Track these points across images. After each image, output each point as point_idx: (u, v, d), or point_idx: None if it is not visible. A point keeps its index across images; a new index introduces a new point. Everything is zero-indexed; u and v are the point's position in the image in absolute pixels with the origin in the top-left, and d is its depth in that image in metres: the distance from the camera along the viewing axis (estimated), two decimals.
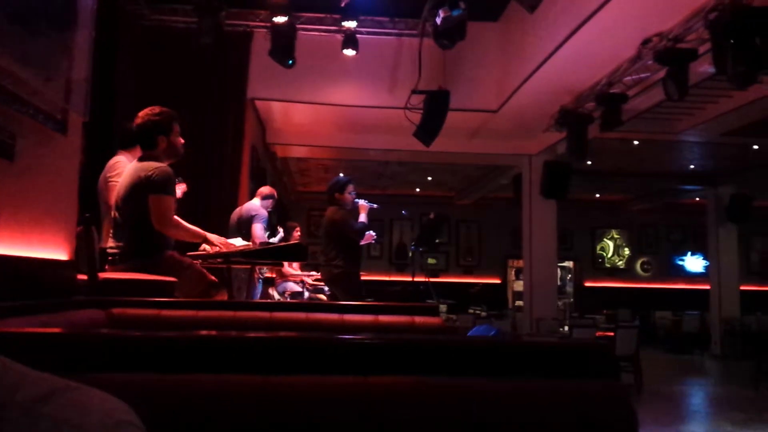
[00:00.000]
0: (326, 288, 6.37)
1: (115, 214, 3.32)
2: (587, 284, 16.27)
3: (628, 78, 6.21)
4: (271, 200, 5.85)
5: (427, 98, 6.85)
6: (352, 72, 7.56)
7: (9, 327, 1.33)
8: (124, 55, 6.11)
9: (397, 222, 15.80)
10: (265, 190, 6.00)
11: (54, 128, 3.00)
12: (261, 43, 7.00)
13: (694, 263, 16.52)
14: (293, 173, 13.14)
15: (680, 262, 16.64)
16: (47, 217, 2.86)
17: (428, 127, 6.95)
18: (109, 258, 3.23)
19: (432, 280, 11.73)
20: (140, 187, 3.15)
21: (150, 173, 3.15)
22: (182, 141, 3.40)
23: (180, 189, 4.65)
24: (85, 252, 2.90)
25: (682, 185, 13.05)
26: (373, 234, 5.45)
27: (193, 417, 0.93)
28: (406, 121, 6.96)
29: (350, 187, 5.39)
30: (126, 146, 4.20)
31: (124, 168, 4.02)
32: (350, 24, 6.76)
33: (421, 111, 6.92)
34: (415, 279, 8.93)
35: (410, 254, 14.71)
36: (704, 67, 5.43)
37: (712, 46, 4.75)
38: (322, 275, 5.77)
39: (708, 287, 12.73)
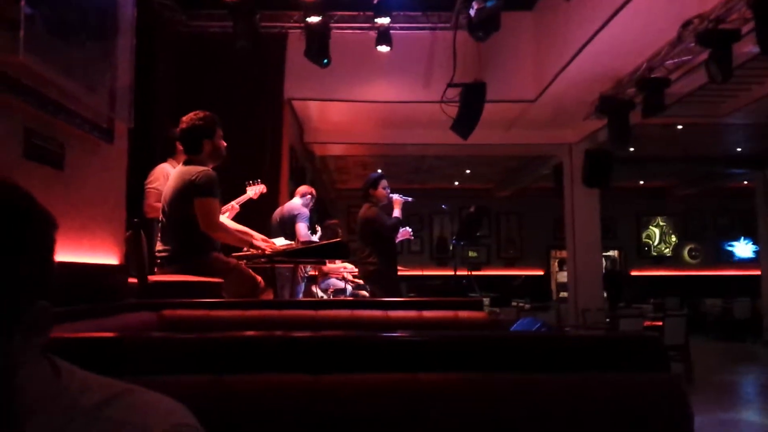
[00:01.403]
0: (367, 286, 6.39)
1: (162, 218, 3.39)
2: (633, 273, 15.96)
3: (670, 62, 6.06)
4: (310, 198, 5.90)
5: (463, 91, 6.81)
6: (386, 68, 7.56)
7: (67, 332, 1.38)
8: (162, 62, 6.23)
9: (437, 216, 15.75)
10: (304, 188, 6.05)
11: (100, 137, 3.08)
12: (296, 43, 7.05)
13: (743, 249, 16.05)
14: (332, 171, 13.22)
15: (729, 248, 16.19)
16: (97, 223, 2.94)
17: (465, 120, 6.91)
18: (158, 261, 3.31)
19: (474, 273, 11.68)
20: (186, 191, 3.21)
21: (194, 177, 3.21)
22: (225, 144, 3.46)
23: (258, 190, 4.72)
24: (135, 256, 2.98)
25: (728, 169, 12.70)
26: (410, 230, 5.42)
27: (245, 417, 0.95)
28: (443, 114, 6.93)
29: (383, 183, 5.37)
30: (172, 153, 4.30)
31: (161, 174, 4.11)
32: (383, 20, 6.76)
33: (458, 104, 6.88)
34: (457, 273, 8.90)
35: (451, 248, 14.67)
36: (748, 48, 5.27)
37: (756, 25, 4.61)
38: (359, 273, 5.79)
39: (759, 273, 12.36)
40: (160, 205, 3.49)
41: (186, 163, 3.36)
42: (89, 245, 2.79)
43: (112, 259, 2.96)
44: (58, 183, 2.66)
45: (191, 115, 3.37)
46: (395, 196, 5.38)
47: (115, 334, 1.33)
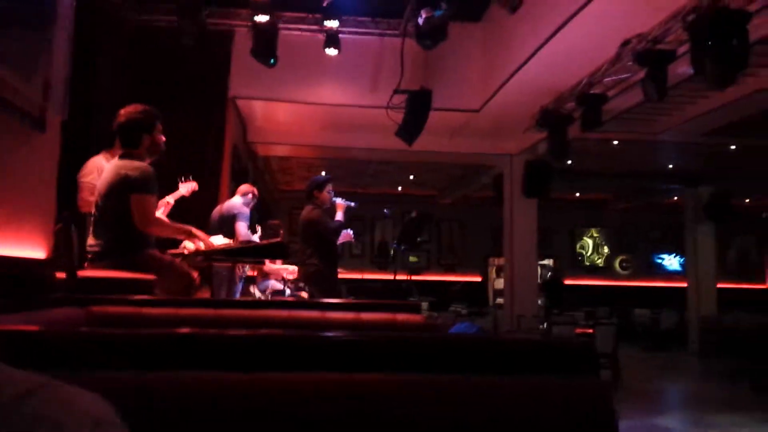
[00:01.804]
0: (306, 287, 6.35)
1: (95, 213, 3.28)
2: (567, 282, 16.40)
3: (608, 79, 6.27)
4: (251, 197, 5.82)
5: (409, 98, 6.86)
6: (334, 71, 7.55)
7: None
8: (104, 54, 6.04)
9: (379, 221, 15.80)
10: (245, 187, 5.97)
11: (32, 126, 2.96)
12: (243, 42, 6.96)
13: (672, 262, 16.72)
14: (275, 172, 13.09)
15: (659, 261, 16.84)
16: (24, 215, 2.82)
17: (410, 127, 6.96)
18: (89, 256, 3.20)
19: (413, 277, 11.76)
20: (121, 186, 3.12)
21: (130, 172, 3.12)
22: (164, 139, 3.37)
23: (190, 187, 4.61)
24: (64, 249, 2.87)
25: (661, 185, 13.20)
26: (351, 232, 5.44)
27: (174, 415, 0.92)
28: (388, 120, 6.97)
29: (329, 186, 5.38)
30: (108, 146, 4.16)
31: (95, 168, 3.99)
32: (332, 23, 6.75)
33: (404, 110, 6.92)
34: (397, 277, 8.94)
35: (392, 252, 14.73)
36: (683, 68, 5.49)
37: (691, 47, 4.80)
38: (299, 274, 5.76)
39: (686, 285, 12.89)
40: (93, 198, 3.37)
41: (122, 157, 3.26)
42: (15, 237, 2.67)
43: (39, 252, 2.84)
44: None
45: (130, 108, 3.28)
46: (339, 201, 5.39)
47: (38, 328, 1.27)
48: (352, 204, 5.46)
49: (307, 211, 5.32)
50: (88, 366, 0.98)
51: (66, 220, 2.95)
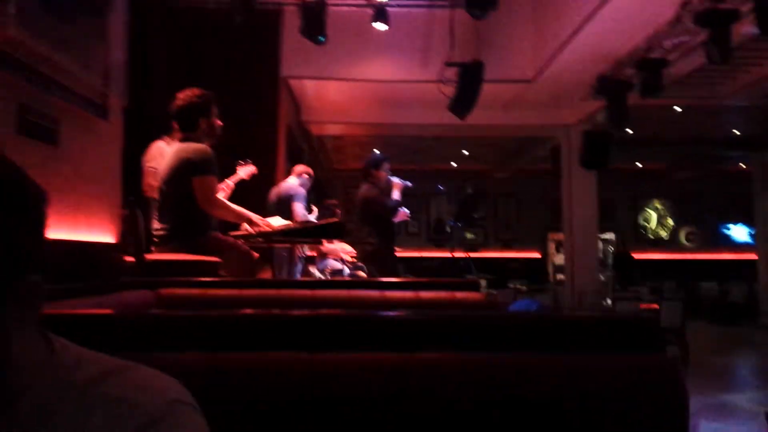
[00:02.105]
0: (364, 266, 6.40)
1: (159, 197, 3.38)
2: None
3: (668, 42, 6.02)
4: (307, 178, 5.88)
5: (460, 70, 6.76)
6: (383, 46, 7.50)
7: (63, 309, 1.37)
8: (157, 38, 6.15)
9: (434, 197, 15.73)
10: (300, 168, 6.03)
11: (95, 113, 3.06)
12: (292, 20, 6.97)
13: (740, 232, 16.09)
14: (329, 151, 13.18)
15: (726, 232, 16.24)
16: (92, 201, 2.93)
17: (463, 100, 6.87)
18: (155, 240, 3.30)
19: (471, 255, 11.70)
20: (183, 169, 3.19)
21: (191, 155, 3.19)
22: (220, 123, 3.43)
23: (249, 170, 4.68)
24: (131, 234, 2.97)
25: (726, 152, 12.69)
26: (407, 211, 5.44)
27: (242, 395, 0.95)
28: (440, 94, 6.89)
29: (386, 165, 5.39)
30: (167, 131, 4.26)
31: (157, 153, 4.08)
32: None
33: (456, 84, 6.84)
34: (455, 254, 8.92)
35: (448, 229, 14.69)
36: (747, 28, 5.24)
37: (755, 5, 4.58)
38: (357, 253, 5.80)
39: (755, 257, 12.41)
40: (156, 183, 3.46)
41: (182, 141, 3.34)
42: (85, 223, 2.77)
43: (108, 237, 2.95)
44: (52, 159, 2.64)
45: (187, 92, 3.34)
46: (396, 180, 5.39)
47: (110, 311, 1.32)
48: (409, 183, 5.46)
49: (365, 190, 5.34)
50: (159, 347, 1.01)
51: (132, 205, 3.05)
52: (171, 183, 3.25)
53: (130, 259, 2.88)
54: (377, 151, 12.63)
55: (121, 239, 3.02)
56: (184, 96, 3.33)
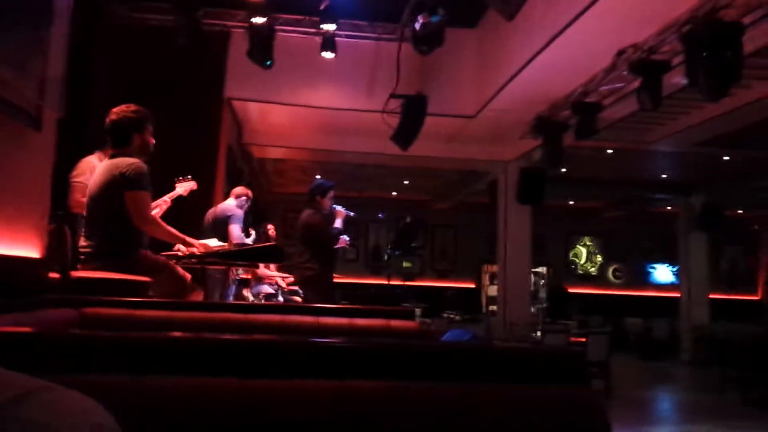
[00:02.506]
0: (301, 291, 6.35)
1: (87, 213, 3.27)
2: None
3: (604, 87, 6.30)
4: (245, 200, 5.81)
5: (404, 102, 6.87)
6: (330, 74, 7.55)
7: None
8: (100, 53, 6.03)
9: (374, 225, 15.79)
10: (239, 189, 5.96)
11: (27, 124, 2.95)
12: (239, 43, 6.95)
13: (664, 272, 16.77)
14: (270, 174, 13.08)
15: (651, 270, 16.89)
16: (18, 214, 2.81)
17: (406, 132, 6.97)
18: (81, 257, 3.19)
19: (407, 283, 11.76)
20: (115, 184, 3.11)
21: (124, 170, 3.12)
22: (153, 141, 3.37)
23: (188, 186, 4.57)
24: (58, 250, 2.86)
25: (654, 194, 13.25)
26: (347, 238, 5.48)
27: (167, 420, 0.92)
28: (383, 124, 6.98)
29: (331, 193, 5.44)
30: (102, 146, 4.15)
31: (87, 168, 3.97)
32: (329, 27, 6.76)
33: (399, 115, 6.93)
34: (391, 282, 8.95)
35: (386, 257, 14.74)
36: (677, 79, 5.52)
37: (686, 58, 4.84)
38: (295, 277, 5.76)
39: (678, 295, 12.93)
40: (85, 199, 3.36)
41: (113, 157, 3.26)
42: (8, 236, 2.66)
43: (32, 252, 2.83)
44: None
45: (122, 107, 3.28)
46: (339, 209, 5.44)
47: (31, 329, 1.27)
48: (352, 213, 5.52)
49: (307, 215, 5.34)
50: (82, 369, 0.98)
51: (60, 219, 2.95)
52: (101, 198, 3.16)
53: (55, 275, 2.77)
54: (318, 177, 12.63)
55: (46, 255, 2.91)
56: (118, 111, 3.26)
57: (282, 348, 1.11)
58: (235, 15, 7.09)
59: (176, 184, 4.56)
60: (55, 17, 3.25)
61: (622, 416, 6.42)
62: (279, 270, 7.54)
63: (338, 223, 5.37)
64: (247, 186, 6.62)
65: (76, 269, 3.05)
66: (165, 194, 4.42)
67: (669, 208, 14.14)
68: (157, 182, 3.69)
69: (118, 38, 6.62)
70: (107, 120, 3.26)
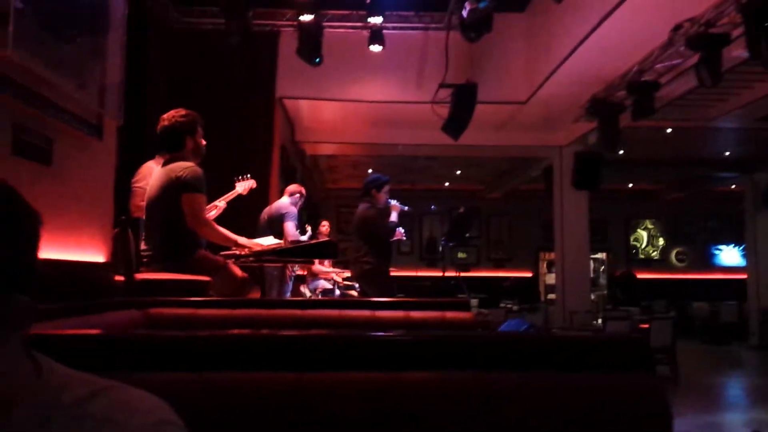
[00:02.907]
0: (357, 285, 6.40)
1: (146, 217, 3.37)
2: (619, 274, 16.05)
3: (660, 65, 6.10)
4: (299, 197, 5.89)
5: (454, 92, 6.82)
6: (379, 68, 7.56)
7: (51, 329, 1.37)
8: (154, 59, 6.20)
9: (427, 217, 15.77)
10: (293, 187, 6.04)
11: (89, 133, 3.07)
12: (288, 42, 7.04)
13: (730, 253, 16.17)
14: (323, 170, 13.21)
15: (716, 252, 16.31)
16: (84, 220, 2.93)
17: (456, 121, 6.92)
18: (144, 260, 3.29)
19: (463, 274, 11.70)
20: (172, 188, 3.19)
21: (180, 173, 3.19)
22: (204, 142, 3.44)
23: (247, 185, 4.63)
24: (122, 253, 2.97)
25: (717, 173, 12.78)
26: (403, 231, 5.49)
27: (229, 415, 0.95)
28: (434, 115, 6.95)
29: (387, 187, 5.45)
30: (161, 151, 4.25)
31: (147, 173, 4.07)
32: (376, 20, 6.76)
33: (449, 105, 6.89)
34: (446, 274, 8.92)
35: (440, 249, 14.68)
36: (738, 52, 5.31)
37: (745, 30, 4.65)
38: (352, 272, 5.80)
39: (745, 276, 12.46)
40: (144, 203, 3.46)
41: (168, 162, 3.33)
42: (76, 242, 2.77)
43: (98, 256, 2.94)
44: (45, 179, 2.65)
45: (172, 112, 3.36)
46: (394, 203, 5.45)
47: (99, 331, 1.32)
48: (406, 208, 5.52)
49: (363, 209, 5.38)
50: (147, 367, 1.02)
51: (123, 224, 3.05)
52: (159, 201, 3.24)
53: (120, 278, 2.87)
54: (371, 171, 12.69)
55: (111, 259, 3.02)
56: (169, 116, 3.34)
57: (337, 342, 1.13)
58: (284, 14, 7.17)
59: (236, 184, 4.63)
60: (111, 26, 3.36)
61: (690, 403, 6.24)
62: (334, 265, 7.62)
63: (393, 217, 5.39)
64: (301, 183, 6.71)
65: (139, 272, 3.15)
66: (223, 194, 4.49)
67: (733, 186, 13.62)
68: (214, 183, 3.77)
69: (171, 43, 6.79)
70: (159, 126, 3.34)
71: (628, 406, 1.03)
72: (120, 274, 2.90)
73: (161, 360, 1.06)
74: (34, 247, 0.69)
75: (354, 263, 5.50)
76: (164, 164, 3.35)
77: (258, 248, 3.50)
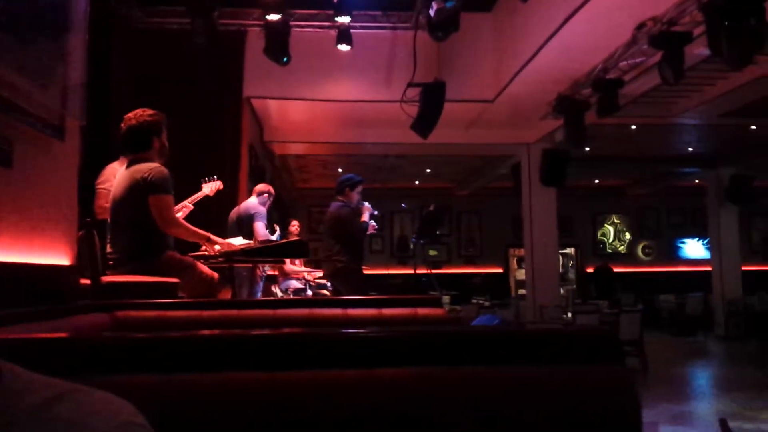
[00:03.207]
0: (329, 284, 6.39)
1: (110, 219, 3.31)
2: (589, 270, 16.29)
3: (624, 63, 6.20)
4: (267, 196, 5.84)
5: (423, 90, 6.84)
6: (347, 67, 7.55)
7: (15, 333, 1.33)
8: (118, 58, 6.10)
9: (398, 215, 15.81)
10: (261, 187, 6.00)
11: (51, 134, 3.00)
12: (255, 41, 6.98)
13: (695, 246, 16.52)
14: (292, 170, 13.14)
15: (682, 245, 16.65)
16: (48, 223, 2.86)
17: (425, 120, 6.94)
18: (110, 262, 3.24)
19: (434, 271, 11.75)
20: (138, 189, 3.14)
21: (146, 174, 3.14)
22: (166, 144, 3.39)
23: (214, 186, 4.56)
24: (87, 256, 2.91)
25: (681, 168, 13.05)
26: (375, 224, 5.54)
27: (199, 416, 0.94)
28: (403, 114, 6.95)
29: (360, 187, 5.52)
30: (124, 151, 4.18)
31: (111, 174, 4.00)
32: (344, 19, 6.74)
33: (418, 103, 6.91)
34: (417, 271, 8.95)
35: (411, 247, 14.72)
36: (699, 50, 5.42)
37: (707, 28, 4.74)
38: (324, 270, 5.80)
39: (710, 269, 12.74)
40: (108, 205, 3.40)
41: (132, 162, 3.28)
42: (40, 245, 2.71)
43: (63, 259, 2.88)
44: (6, 181, 2.58)
45: (139, 111, 3.31)
46: (366, 204, 5.50)
47: (65, 334, 1.29)
48: (376, 212, 5.59)
49: (336, 208, 5.39)
50: (115, 370, 1.00)
51: (89, 226, 2.99)
52: (125, 203, 3.19)
53: (86, 281, 2.82)
54: (341, 171, 12.67)
55: (76, 261, 2.96)
56: (135, 115, 3.29)
57: (308, 340, 1.12)
58: (251, 13, 7.11)
59: (202, 185, 4.58)
60: (73, 25, 3.29)
61: (659, 393, 6.37)
62: (306, 264, 7.59)
63: (365, 217, 5.43)
64: (270, 183, 6.66)
65: (105, 274, 3.10)
66: (189, 196, 4.45)
67: (697, 181, 13.91)
68: (182, 184, 3.73)
69: (136, 43, 6.69)
70: (124, 125, 3.29)
71: (599, 397, 1.04)
72: (86, 277, 2.85)
73: (129, 362, 1.05)
74: None
75: (327, 262, 5.51)
76: (129, 165, 3.29)
77: (228, 247, 3.47)
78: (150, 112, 3.30)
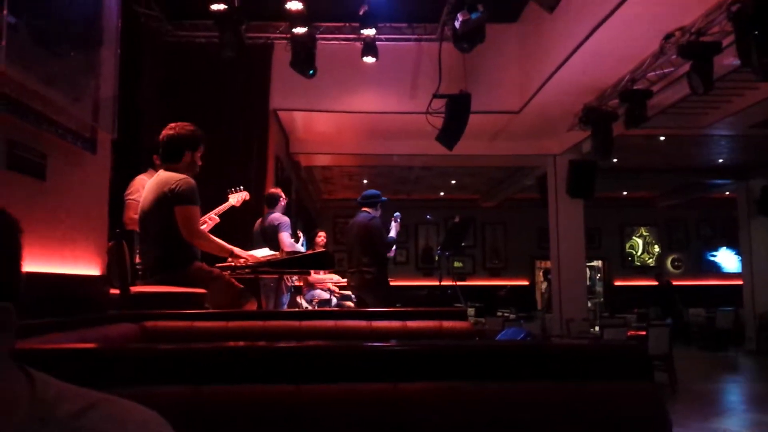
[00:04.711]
0: (353, 295, 6.39)
1: (139, 229, 3.35)
2: (617, 283, 16.07)
3: (652, 73, 6.13)
4: (282, 201, 5.82)
5: (448, 102, 6.84)
6: (372, 79, 7.58)
7: (46, 343, 1.36)
8: (147, 72, 6.21)
9: (423, 226, 15.77)
10: (273, 192, 5.95)
11: (83, 147, 3.06)
12: (282, 54, 7.06)
13: (726, 258, 16.20)
14: (318, 181, 13.21)
15: (712, 258, 16.34)
16: (79, 234, 2.92)
17: (450, 131, 6.94)
18: (139, 273, 3.27)
19: (459, 283, 11.69)
20: (165, 200, 3.17)
21: (173, 186, 3.17)
22: (200, 163, 3.41)
23: (240, 197, 4.58)
24: (117, 267, 2.95)
25: (711, 179, 12.84)
26: (394, 248, 5.75)
27: (225, 428, 0.94)
28: (428, 125, 6.96)
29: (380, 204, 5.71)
30: (154, 165, 4.25)
31: (140, 186, 4.05)
32: (369, 32, 6.78)
33: (443, 115, 6.91)
34: (442, 283, 8.92)
35: (436, 258, 14.68)
36: (729, 60, 5.34)
37: (736, 38, 4.67)
38: (352, 281, 5.80)
39: (741, 282, 12.48)
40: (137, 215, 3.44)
41: (162, 173, 3.31)
42: (71, 256, 2.76)
43: (93, 269, 2.93)
44: (40, 193, 2.64)
45: (181, 123, 3.34)
46: (397, 217, 5.74)
47: (95, 345, 1.31)
48: (397, 229, 5.93)
49: (366, 219, 5.44)
50: (143, 381, 1.01)
51: (118, 237, 3.04)
52: (153, 214, 3.22)
53: (115, 291, 2.86)
54: (366, 182, 12.71)
55: (106, 272, 3.00)
56: (176, 126, 3.32)
57: (335, 353, 1.12)
58: (277, 27, 7.19)
59: (229, 195, 4.61)
60: (105, 39, 3.36)
61: (689, 409, 6.23)
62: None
63: (393, 233, 5.50)
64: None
65: (134, 285, 3.13)
66: (216, 206, 4.47)
67: (727, 193, 13.67)
68: (208, 195, 3.76)
69: (165, 57, 6.81)
70: (163, 134, 3.31)
71: (628, 413, 1.03)
72: (115, 287, 2.89)
73: (157, 373, 1.06)
74: (14, 255, 0.68)
75: (354, 273, 5.51)
76: (157, 175, 3.33)
77: (252, 259, 3.49)
78: (191, 127, 3.33)
